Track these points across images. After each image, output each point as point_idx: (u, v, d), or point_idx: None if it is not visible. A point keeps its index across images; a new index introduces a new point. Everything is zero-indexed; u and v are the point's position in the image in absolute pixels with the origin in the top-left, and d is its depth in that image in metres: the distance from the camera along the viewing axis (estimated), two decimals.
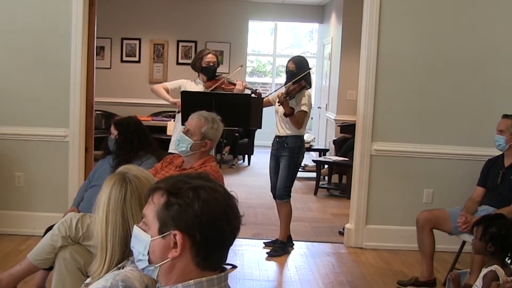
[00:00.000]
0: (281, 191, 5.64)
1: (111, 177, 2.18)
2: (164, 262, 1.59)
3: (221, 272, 1.62)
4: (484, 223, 3.54)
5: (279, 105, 5.53)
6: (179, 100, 5.31)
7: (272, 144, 5.83)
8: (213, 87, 5.45)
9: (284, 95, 5.40)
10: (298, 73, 5.54)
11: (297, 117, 5.49)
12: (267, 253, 5.64)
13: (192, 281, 1.57)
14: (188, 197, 1.54)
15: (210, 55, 5.52)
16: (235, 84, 5.53)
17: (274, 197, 5.81)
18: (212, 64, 5.51)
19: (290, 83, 5.48)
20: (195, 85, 5.56)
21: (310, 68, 5.72)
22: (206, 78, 5.54)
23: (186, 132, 3.95)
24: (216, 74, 5.61)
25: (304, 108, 5.51)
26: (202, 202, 1.53)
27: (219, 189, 1.59)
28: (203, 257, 1.55)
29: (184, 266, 1.57)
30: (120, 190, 2.11)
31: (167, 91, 5.54)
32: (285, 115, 5.45)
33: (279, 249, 5.65)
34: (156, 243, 1.60)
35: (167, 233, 1.57)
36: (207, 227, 1.53)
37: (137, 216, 2.09)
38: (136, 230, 1.69)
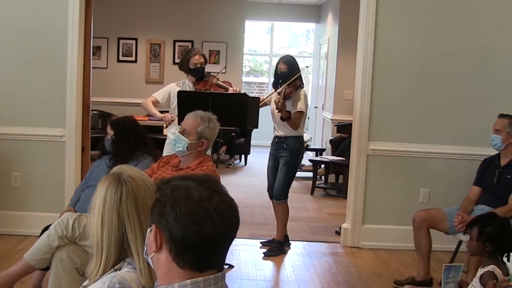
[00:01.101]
0: (279, 191, 5.64)
1: (105, 178, 2.16)
2: (152, 255, 1.66)
3: (218, 272, 1.62)
4: (478, 224, 3.54)
5: (277, 111, 5.48)
6: (167, 114, 5.31)
7: (272, 144, 5.82)
8: (203, 91, 5.44)
9: (282, 101, 5.37)
10: (291, 73, 5.52)
11: (293, 119, 5.48)
12: (263, 253, 5.64)
13: (189, 280, 1.58)
14: (165, 195, 1.59)
15: (196, 57, 5.48)
16: (224, 88, 5.53)
17: (270, 197, 5.82)
18: (199, 66, 5.48)
19: (285, 85, 5.45)
20: (183, 87, 5.53)
21: (307, 66, 5.71)
22: (194, 79, 5.53)
23: (183, 132, 3.95)
24: (205, 73, 5.59)
25: (300, 108, 5.51)
26: (174, 200, 1.57)
27: (199, 190, 1.59)
28: (175, 254, 1.58)
29: (166, 262, 1.61)
30: (115, 192, 2.10)
31: (157, 102, 5.51)
32: (282, 119, 5.45)
33: (276, 248, 5.65)
34: (148, 236, 1.67)
35: (151, 227, 1.64)
36: (174, 224, 1.56)
37: (133, 217, 2.08)
38: None
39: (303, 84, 5.66)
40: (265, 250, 5.67)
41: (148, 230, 1.66)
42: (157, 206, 1.60)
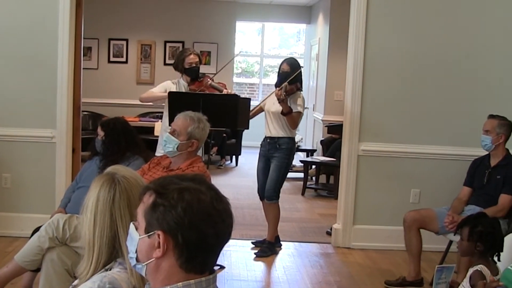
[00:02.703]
0: (271, 191, 5.64)
1: (99, 177, 2.17)
2: (149, 261, 1.60)
3: (210, 274, 1.62)
4: (469, 224, 3.55)
5: (280, 102, 5.46)
6: None
7: (262, 145, 5.82)
8: (197, 91, 5.44)
9: (284, 93, 5.39)
10: (293, 74, 5.55)
11: (294, 117, 5.49)
12: (255, 253, 5.64)
13: (180, 283, 1.57)
14: (173, 199, 1.54)
15: (192, 56, 5.50)
16: (218, 89, 5.54)
17: (261, 198, 5.83)
18: (194, 65, 5.49)
19: (286, 83, 5.46)
20: (178, 87, 5.54)
21: (302, 67, 5.75)
22: (189, 79, 5.53)
23: (173, 133, 3.94)
24: (200, 73, 5.60)
25: (299, 108, 5.53)
26: (186, 204, 1.53)
27: (206, 192, 1.58)
28: (186, 259, 1.55)
29: (168, 267, 1.58)
30: (109, 191, 2.10)
31: None
32: (283, 113, 5.45)
33: (267, 249, 5.66)
34: (143, 241, 1.61)
35: (152, 232, 1.57)
36: (189, 229, 1.52)
37: (125, 217, 2.08)
38: (131, 228, 1.70)
39: (301, 87, 5.68)
40: (256, 251, 5.67)
41: (144, 235, 1.60)
42: (162, 211, 1.55)
